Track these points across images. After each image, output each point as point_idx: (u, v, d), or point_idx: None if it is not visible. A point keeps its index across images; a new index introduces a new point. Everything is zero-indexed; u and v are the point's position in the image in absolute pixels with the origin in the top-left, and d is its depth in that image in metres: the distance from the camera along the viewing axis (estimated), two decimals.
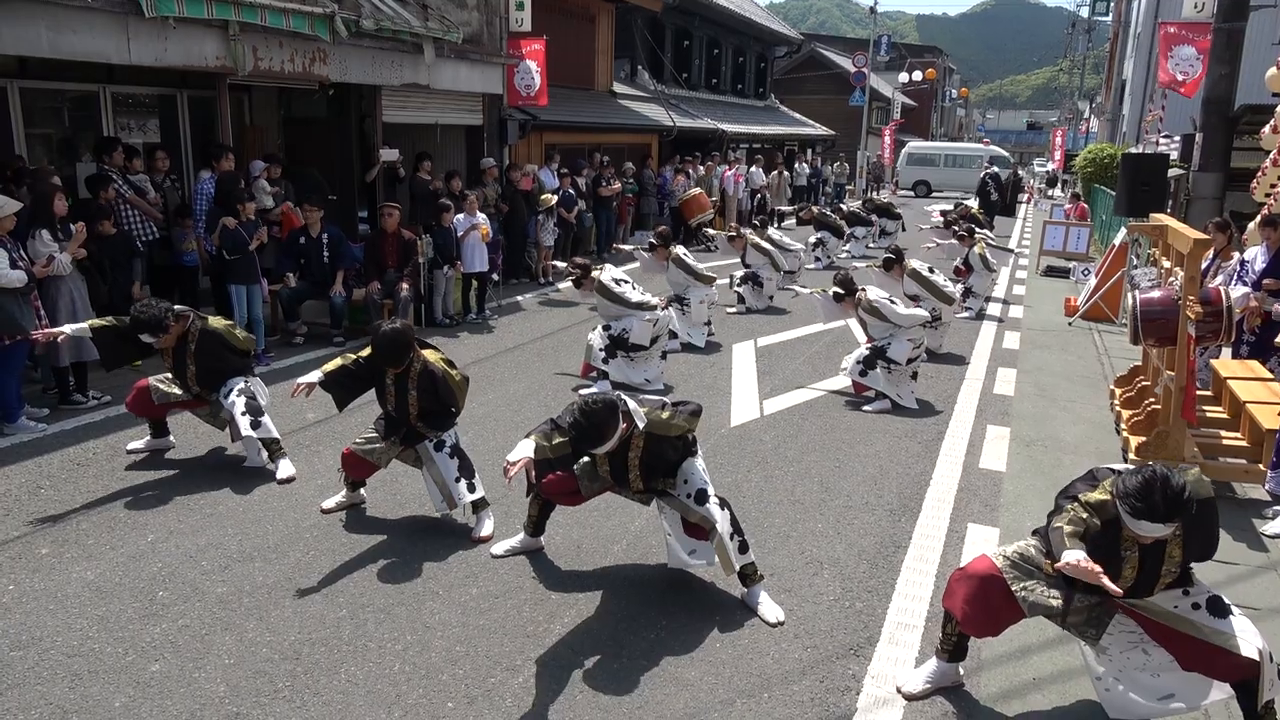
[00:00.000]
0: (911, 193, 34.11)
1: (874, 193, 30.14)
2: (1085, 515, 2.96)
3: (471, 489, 4.65)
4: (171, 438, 5.75)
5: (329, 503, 4.90)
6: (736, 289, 10.99)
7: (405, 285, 8.83)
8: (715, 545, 3.84)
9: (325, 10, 9.06)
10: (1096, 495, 3.00)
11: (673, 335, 8.38)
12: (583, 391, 5.36)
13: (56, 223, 6.30)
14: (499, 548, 4.46)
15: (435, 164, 11.48)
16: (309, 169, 10.53)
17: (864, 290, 7.14)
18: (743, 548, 3.96)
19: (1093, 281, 11.25)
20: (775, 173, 22.52)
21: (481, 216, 10.08)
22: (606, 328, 7.46)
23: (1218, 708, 3.30)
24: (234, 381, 5.35)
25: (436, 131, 12.38)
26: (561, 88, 15.65)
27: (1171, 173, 11.73)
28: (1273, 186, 8.39)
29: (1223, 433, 6.01)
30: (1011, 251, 16.69)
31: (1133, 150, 16.43)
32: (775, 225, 16.20)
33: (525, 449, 3.72)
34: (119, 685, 3.34)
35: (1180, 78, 12.95)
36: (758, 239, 11.24)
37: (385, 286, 8.86)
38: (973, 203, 20.41)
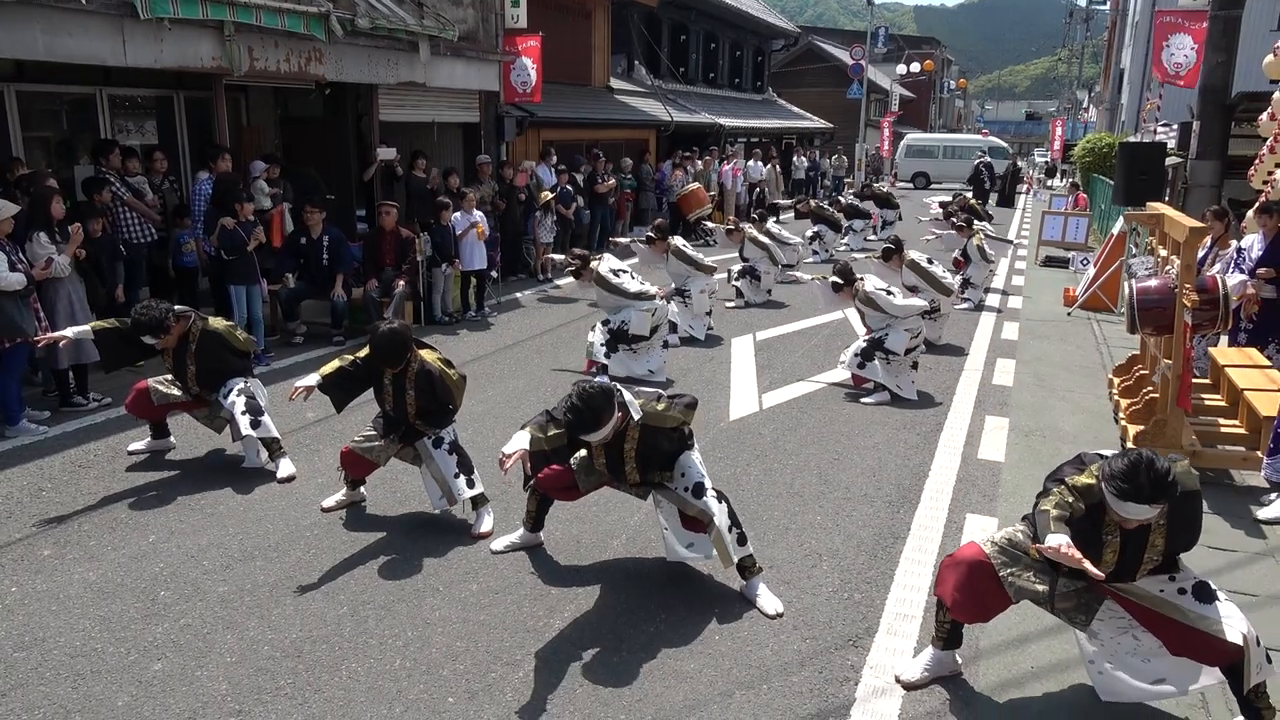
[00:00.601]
0: (910, 185, 34.05)
1: (873, 184, 30.06)
2: (1071, 499, 2.97)
3: (470, 485, 4.67)
4: (172, 439, 5.77)
5: (329, 501, 4.91)
6: (734, 283, 11.00)
7: (401, 282, 8.85)
8: (713, 538, 3.85)
9: (320, 9, 9.06)
10: (1083, 479, 3.01)
11: (673, 328, 8.40)
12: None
13: (54, 225, 6.32)
14: (498, 543, 4.47)
15: (433, 162, 11.48)
16: (306, 169, 10.55)
17: (861, 280, 7.16)
18: (741, 540, 3.97)
19: (1091, 271, 11.25)
20: (769, 166, 22.49)
21: (478, 214, 10.09)
22: (605, 323, 7.48)
23: (1214, 692, 3.32)
24: (233, 382, 5.37)
25: (434, 129, 12.39)
26: (558, 84, 15.64)
27: (1169, 161, 11.73)
28: (1270, 174, 8.37)
29: (1221, 420, 6.02)
30: (1009, 242, 16.71)
31: (1130, 139, 16.41)
32: (775, 219, 16.19)
33: (520, 441, 3.73)
34: (121, 685, 3.37)
35: (1173, 72, 12.94)
36: (756, 233, 11.23)
37: (383, 285, 8.88)
38: (968, 192, 20.41)
